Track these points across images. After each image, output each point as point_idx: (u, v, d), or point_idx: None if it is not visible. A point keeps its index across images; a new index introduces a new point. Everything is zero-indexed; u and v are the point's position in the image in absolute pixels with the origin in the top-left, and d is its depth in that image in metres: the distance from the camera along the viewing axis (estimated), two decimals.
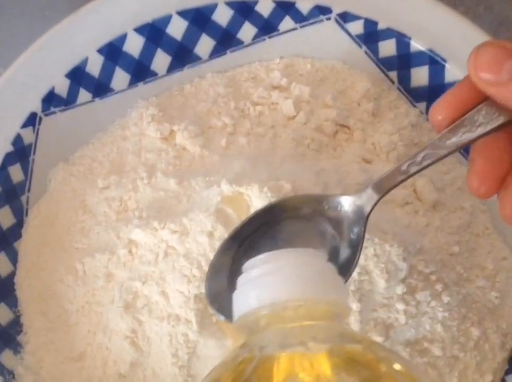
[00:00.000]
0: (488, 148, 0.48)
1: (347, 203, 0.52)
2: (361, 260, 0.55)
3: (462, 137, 0.47)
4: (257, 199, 0.56)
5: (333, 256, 0.51)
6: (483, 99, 0.47)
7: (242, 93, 0.68)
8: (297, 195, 0.56)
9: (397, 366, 0.40)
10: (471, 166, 0.48)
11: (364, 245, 0.53)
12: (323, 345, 0.40)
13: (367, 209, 0.51)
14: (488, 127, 0.46)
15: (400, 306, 0.56)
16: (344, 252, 0.51)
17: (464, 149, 0.64)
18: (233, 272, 0.51)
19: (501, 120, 0.46)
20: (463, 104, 0.47)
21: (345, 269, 0.51)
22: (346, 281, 0.51)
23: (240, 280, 0.45)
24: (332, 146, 0.65)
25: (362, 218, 0.51)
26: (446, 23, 0.65)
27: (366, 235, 0.53)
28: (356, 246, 0.51)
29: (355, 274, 0.55)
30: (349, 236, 0.52)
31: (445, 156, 0.48)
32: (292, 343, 0.41)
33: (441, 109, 0.48)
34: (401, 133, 0.65)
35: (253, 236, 0.53)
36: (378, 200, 0.51)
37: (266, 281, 0.43)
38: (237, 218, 0.57)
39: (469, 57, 0.45)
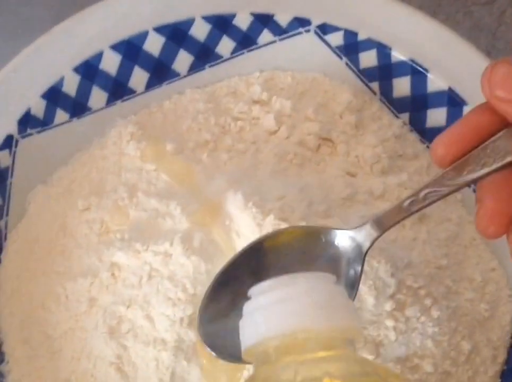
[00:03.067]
0: (497, 187, 0.46)
1: (345, 238, 0.51)
2: None
3: (467, 176, 0.46)
4: (241, 215, 0.55)
5: None
6: (489, 135, 0.45)
7: (222, 109, 0.67)
8: (292, 226, 0.55)
9: None
10: (480, 207, 0.46)
11: None
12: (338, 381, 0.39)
13: (366, 246, 0.50)
14: (494, 166, 0.45)
15: (390, 323, 0.55)
16: None
17: None
18: (229, 302, 0.51)
19: (507, 159, 0.44)
20: (467, 140, 0.46)
21: None
22: None
23: (247, 307, 0.43)
24: (316, 161, 0.64)
25: (360, 255, 0.50)
26: (426, 31, 0.64)
27: None
28: (353, 283, 0.51)
29: None
30: (347, 272, 0.51)
31: (448, 194, 0.47)
32: (305, 379, 0.39)
33: (444, 144, 0.47)
34: (384, 145, 0.64)
35: (248, 265, 0.52)
36: (377, 238, 0.50)
37: (275, 310, 0.41)
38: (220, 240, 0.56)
39: (482, 76, 0.44)
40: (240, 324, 0.43)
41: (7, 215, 0.63)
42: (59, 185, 0.65)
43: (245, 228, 0.56)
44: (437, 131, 0.63)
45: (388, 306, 0.55)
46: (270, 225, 0.55)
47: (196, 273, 0.56)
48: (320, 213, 0.57)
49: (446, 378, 0.57)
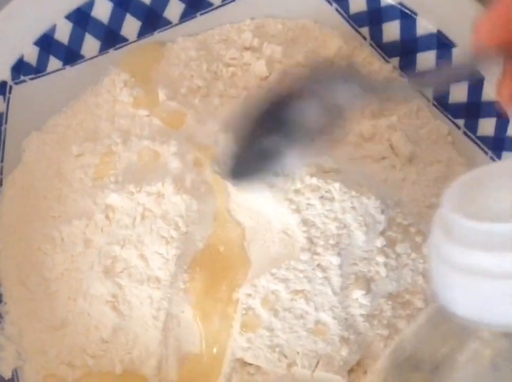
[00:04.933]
0: None
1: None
2: (339, 214, 0.55)
3: None
4: None
5: None
6: None
7: (214, 55, 0.67)
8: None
9: None
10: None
11: (340, 198, 0.54)
12: None
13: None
14: None
15: (380, 259, 0.56)
16: None
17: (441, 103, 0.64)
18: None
19: None
20: None
21: None
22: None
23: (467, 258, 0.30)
24: None
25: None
26: None
27: (343, 189, 0.53)
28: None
29: (333, 228, 0.55)
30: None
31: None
32: None
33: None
34: None
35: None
36: None
37: None
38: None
39: None
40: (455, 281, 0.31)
41: (1, 161, 0.64)
42: (54, 132, 0.66)
43: None
44: None
45: (379, 242, 0.56)
46: None
47: (188, 211, 0.56)
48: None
49: None
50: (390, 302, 0.57)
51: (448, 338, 0.33)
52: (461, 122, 0.65)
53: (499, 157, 0.62)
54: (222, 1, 0.68)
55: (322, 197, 0.55)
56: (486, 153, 0.63)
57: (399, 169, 0.62)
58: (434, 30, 0.64)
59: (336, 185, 0.55)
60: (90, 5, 0.65)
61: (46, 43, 0.64)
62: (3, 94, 0.63)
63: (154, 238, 0.56)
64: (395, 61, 0.67)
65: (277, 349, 0.55)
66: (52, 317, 0.59)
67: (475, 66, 0.48)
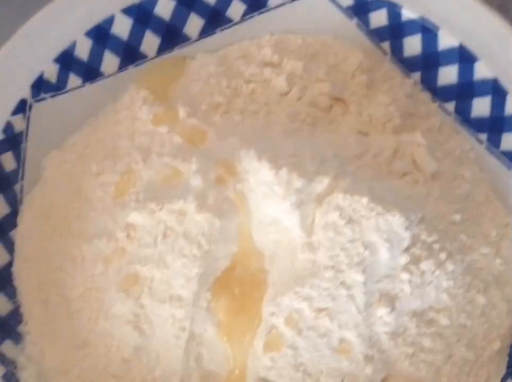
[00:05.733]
0: None
1: None
2: (364, 231, 0.54)
3: None
4: (254, 171, 0.56)
5: None
6: None
7: (234, 71, 0.67)
8: None
9: None
10: None
11: (366, 214, 0.54)
12: None
13: None
14: None
15: (405, 276, 0.55)
16: None
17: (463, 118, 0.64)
18: None
19: None
20: None
21: None
22: None
23: None
24: (328, 120, 0.64)
25: None
26: None
27: (371, 204, 0.54)
28: None
29: (357, 245, 0.54)
30: None
31: None
32: None
33: None
34: (396, 104, 0.64)
35: None
36: None
37: None
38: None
39: None
40: None
41: (22, 179, 0.63)
42: (73, 150, 0.65)
43: (259, 185, 0.56)
44: (448, 89, 0.64)
45: (403, 259, 0.55)
46: (285, 178, 0.55)
47: (210, 230, 0.56)
48: (333, 170, 0.57)
49: (462, 330, 0.58)
50: (414, 320, 0.56)
51: None
52: (483, 136, 0.64)
53: None
54: (241, 17, 0.68)
55: (347, 214, 0.54)
56: (509, 168, 0.63)
57: (422, 185, 0.61)
58: (456, 44, 0.63)
59: (364, 200, 0.54)
60: (110, 21, 0.65)
61: (66, 60, 0.64)
62: (24, 112, 0.63)
63: (176, 257, 0.56)
64: (416, 75, 0.67)
65: (301, 368, 0.55)
66: (74, 337, 0.59)
67: None
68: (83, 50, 0.65)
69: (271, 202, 0.56)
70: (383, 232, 0.54)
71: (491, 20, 0.63)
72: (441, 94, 0.66)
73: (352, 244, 0.54)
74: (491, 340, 0.59)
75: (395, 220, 0.55)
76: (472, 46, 0.63)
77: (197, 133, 0.62)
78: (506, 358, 0.59)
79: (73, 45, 0.64)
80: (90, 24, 0.64)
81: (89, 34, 0.65)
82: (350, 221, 0.54)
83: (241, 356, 0.56)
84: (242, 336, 0.56)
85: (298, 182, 0.55)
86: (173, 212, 0.57)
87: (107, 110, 0.67)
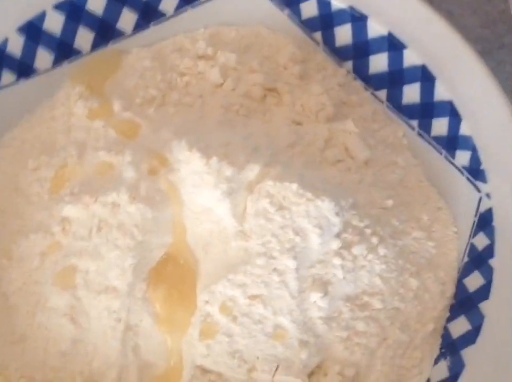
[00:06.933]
0: None
1: None
2: (294, 217, 0.55)
3: None
4: (186, 161, 0.57)
5: None
6: None
7: (168, 65, 0.67)
8: None
9: None
10: None
11: (296, 201, 0.54)
12: None
13: None
14: None
15: (337, 261, 0.56)
16: None
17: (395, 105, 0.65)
18: None
19: None
20: None
21: None
22: None
23: None
24: (262, 111, 0.65)
25: None
26: None
27: (300, 190, 0.54)
28: None
29: (288, 232, 0.55)
30: None
31: None
32: None
33: None
34: (329, 93, 0.65)
35: None
36: None
37: None
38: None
39: None
40: None
41: None
42: (10, 146, 0.66)
43: (190, 175, 0.57)
44: (380, 77, 0.65)
45: (335, 244, 0.56)
46: (215, 167, 0.55)
47: (143, 220, 0.56)
48: (265, 158, 0.58)
49: (396, 313, 0.58)
50: (348, 304, 0.57)
51: None
52: (415, 123, 0.65)
53: (453, 156, 0.63)
54: (175, 11, 0.68)
55: (277, 201, 0.55)
56: (440, 153, 0.64)
57: (355, 172, 0.62)
58: (385, 32, 0.64)
59: (294, 187, 0.55)
60: (42, 17, 0.65)
61: None
62: None
63: (110, 248, 0.56)
64: (348, 65, 0.68)
65: (236, 355, 0.55)
66: (12, 332, 0.59)
67: None
68: (16, 47, 0.65)
69: (202, 192, 0.56)
70: (314, 218, 0.55)
71: (418, 8, 0.63)
72: (373, 82, 0.67)
73: (283, 231, 0.55)
74: (424, 323, 0.59)
75: (325, 206, 0.55)
76: (400, 34, 0.64)
77: (132, 127, 0.63)
78: (440, 340, 0.59)
79: (5, 42, 0.64)
80: (22, 20, 0.64)
81: (21, 30, 0.64)
82: (280, 208, 0.55)
83: (178, 345, 0.56)
84: (179, 325, 0.56)
85: (228, 171, 0.55)
86: (107, 204, 0.57)
87: (43, 106, 0.67)
